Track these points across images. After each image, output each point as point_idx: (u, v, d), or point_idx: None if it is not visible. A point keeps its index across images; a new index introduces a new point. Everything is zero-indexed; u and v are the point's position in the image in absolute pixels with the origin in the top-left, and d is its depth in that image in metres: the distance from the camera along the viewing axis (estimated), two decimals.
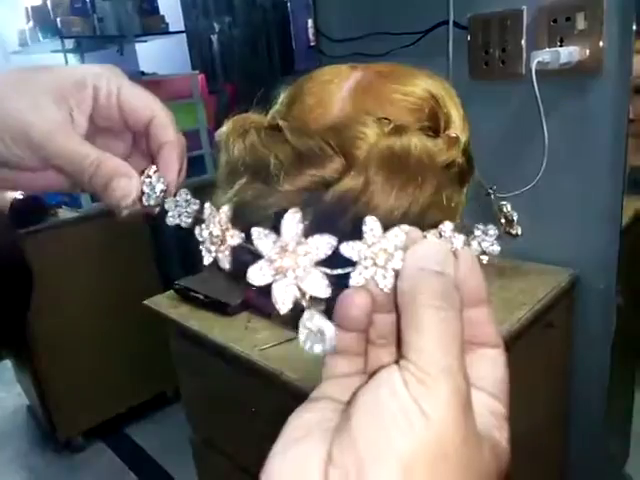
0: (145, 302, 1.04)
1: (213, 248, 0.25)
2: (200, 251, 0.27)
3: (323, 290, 0.22)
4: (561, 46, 0.85)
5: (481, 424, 0.21)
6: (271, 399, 0.77)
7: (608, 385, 0.95)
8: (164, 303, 1.03)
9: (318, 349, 0.22)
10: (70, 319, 1.72)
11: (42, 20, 1.66)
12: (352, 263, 0.22)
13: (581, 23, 0.84)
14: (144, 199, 0.28)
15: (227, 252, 0.25)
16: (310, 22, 1.18)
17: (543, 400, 0.97)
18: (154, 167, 0.28)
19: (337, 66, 0.36)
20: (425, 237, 0.23)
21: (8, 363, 2.10)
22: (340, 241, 0.22)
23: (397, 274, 0.22)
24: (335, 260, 0.22)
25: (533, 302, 0.83)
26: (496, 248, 0.25)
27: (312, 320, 0.22)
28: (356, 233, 0.22)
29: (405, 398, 0.19)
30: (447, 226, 0.23)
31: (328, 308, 0.23)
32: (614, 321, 0.92)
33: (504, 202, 0.30)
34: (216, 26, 1.37)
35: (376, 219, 0.22)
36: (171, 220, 0.27)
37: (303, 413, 0.22)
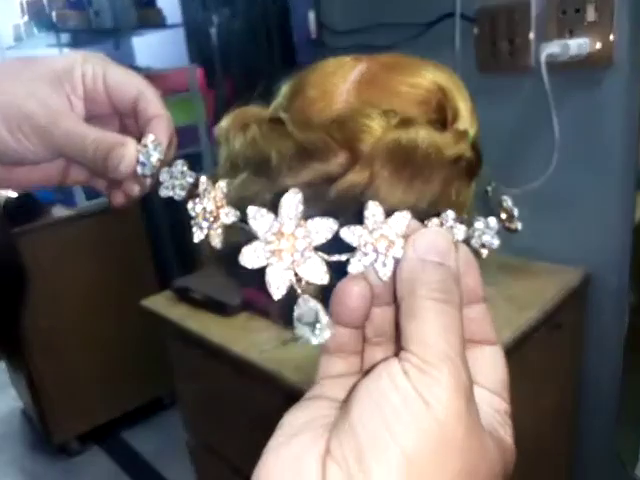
0: (142, 302, 1.03)
1: (205, 225, 0.23)
2: (192, 232, 0.25)
3: (321, 276, 0.21)
4: (571, 38, 0.83)
5: (485, 420, 0.21)
6: (270, 401, 0.75)
7: (619, 386, 0.94)
8: (161, 303, 1.01)
9: (313, 339, 0.21)
10: (65, 320, 1.69)
11: (37, 14, 1.65)
12: (352, 250, 0.21)
13: (591, 14, 0.82)
14: (139, 169, 0.27)
15: (220, 230, 0.23)
16: (311, 15, 1.16)
17: (552, 402, 0.95)
18: (152, 136, 0.27)
19: (341, 58, 0.35)
20: (426, 226, 0.22)
21: (2, 365, 2.08)
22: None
23: (397, 263, 0.21)
24: (335, 248, 0.21)
25: (543, 302, 0.82)
26: (495, 242, 0.25)
27: (307, 308, 0.21)
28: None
29: (406, 388, 0.19)
30: (449, 215, 0.23)
31: (324, 300, 0.22)
32: (627, 321, 0.90)
33: (505, 196, 0.29)
34: (215, 19, 1.35)
35: (378, 204, 0.21)
36: (164, 192, 0.26)
37: (298, 411, 0.22)
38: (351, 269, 0.21)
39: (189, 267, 1.07)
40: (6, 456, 1.87)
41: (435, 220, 0.23)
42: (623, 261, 0.88)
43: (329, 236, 0.21)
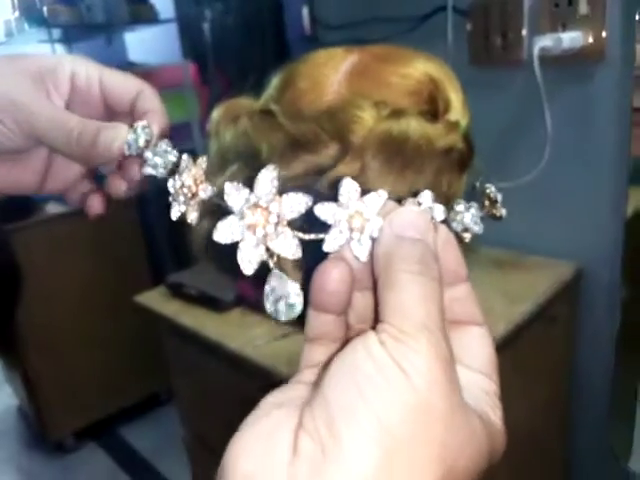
0: (135, 298, 1.02)
1: (182, 199, 0.24)
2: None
3: (293, 250, 0.21)
4: (563, 31, 0.83)
5: (472, 400, 0.20)
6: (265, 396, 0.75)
7: (612, 380, 0.94)
8: (155, 299, 1.01)
9: (282, 314, 0.21)
10: (60, 317, 1.69)
11: (28, 9, 1.63)
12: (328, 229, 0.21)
13: (584, 8, 0.82)
14: (125, 148, 0.27)
15: (197, 206, 0.24)
16: (304, 10, 1.16)
17: (545, 396, 0.96)
18: (143, 122, 0.27)
19: (332, 49, 0.35)
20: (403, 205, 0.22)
21: None
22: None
23: (374, 242, 0.21)
24: (315, 230, 0.21)
25: (535, 296, 0.82)
26: (476, 227, 0.25)
27: (278, 283, 0.21)
28: None
29: (382, 357, 0.18)
30: (426, 195, 0.23)
31: (305, 287, 0.22)
32: (619, 316, 0.91)
33: (488, 184, 0.29)
34: (208, 14, 1.34)
35: (353, 181, 0.21)
36: (148, 170, 0.26)
37: (276, 392, 0.22)
38: (326, 247, 0.21)
39: (183, 263, 1.07)
40: (2, 453, 1.86)
41: (412, 200, 0.23)
42: (615, 255, 0.88)
43: (302, 210, 0.21)
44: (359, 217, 0.21)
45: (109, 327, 1.77)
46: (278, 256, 0.21)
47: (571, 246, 0.92)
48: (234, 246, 0.21)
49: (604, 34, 0.80)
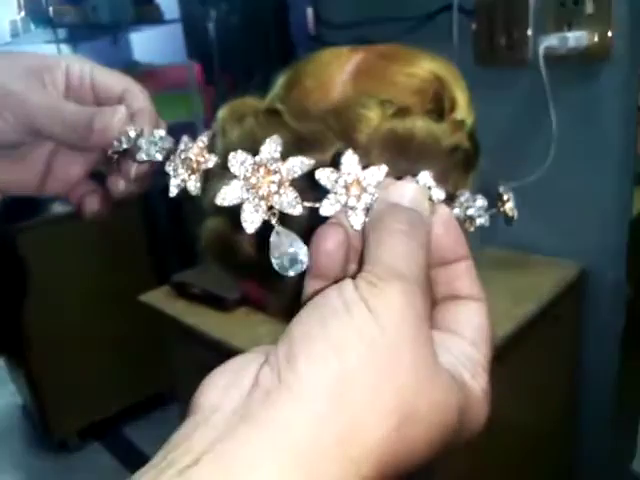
0: (140, 297, 1.02)
1: (181, 171, 0.24)
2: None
3: (294, 207, 0.21)
4: (569, 31, 0.83)
5: (450, 364, 0.20)
6: None
7: (617, 381, 0.94)
8: (159, 298, 1.01)
9: (289, 269, 0.22)
10: (64, 316, 1.69)
11: (34, 9, 1.64)
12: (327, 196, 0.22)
13: (589, 7, 0.82)
14: (115, 144, 0.27)
15: (196, 177, 0.24)
16: (309, 10, 1.16)
17: (550, 396, 0.95)
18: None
19: (337, 48, 0.35)
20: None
21: (0, 361, 2.08)
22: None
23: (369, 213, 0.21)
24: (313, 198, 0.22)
25: (540, 295, 0.82)
26: (480, 219, 0.25)
27: (283, 237, 0.22)
28: None
29: (352, 296, 0.18)
30: (424, 175, 0.23)
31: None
32: (624, 315, 0.90)
33: (502, 187, 0.29)
34: (213, 14, 1.35)
35: (354, 153, 0.22)
36: (142, 156, 0.26)
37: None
38: (322, 211, 0.22)
39: (188, 262, 1.07)
40: (6, 452, 1.87)
41: (410, 178, 0.23)
42: (620, 255, 0.88)
43: (305, 170, 0.22)
44: (357, 185, 0.21)
45: (113, 326, 1.77)
46: (281, 216, 0.22)
47: (576, 246, 0.92)
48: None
49: (610, 33, 0.80)
